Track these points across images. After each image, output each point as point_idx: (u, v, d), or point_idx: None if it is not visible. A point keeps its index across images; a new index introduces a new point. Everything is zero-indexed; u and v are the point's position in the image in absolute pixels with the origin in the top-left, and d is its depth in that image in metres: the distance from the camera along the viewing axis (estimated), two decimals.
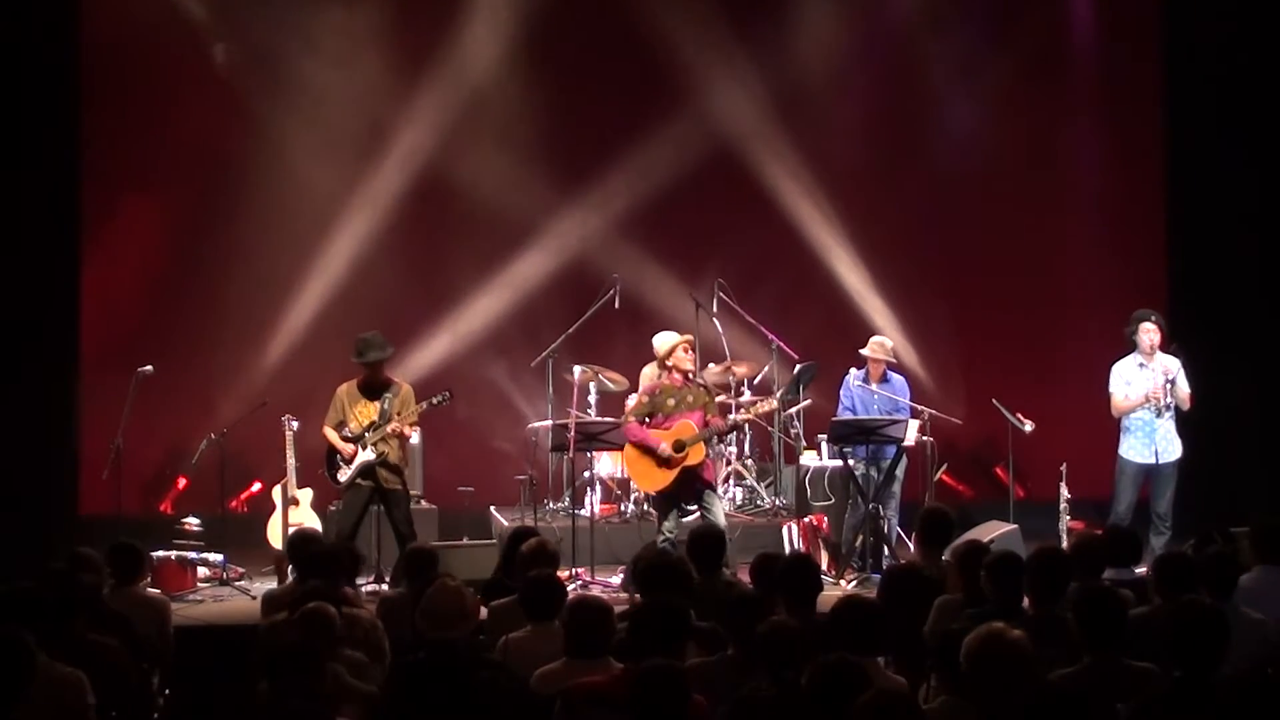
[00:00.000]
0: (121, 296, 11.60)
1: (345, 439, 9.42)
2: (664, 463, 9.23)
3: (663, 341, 9.57)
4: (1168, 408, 10.01)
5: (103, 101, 11.52)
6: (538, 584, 5.95)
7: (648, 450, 9.26)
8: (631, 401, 10.97)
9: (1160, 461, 10.02)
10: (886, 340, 10.52)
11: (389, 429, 9.40)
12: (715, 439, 9.93)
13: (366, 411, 9.46)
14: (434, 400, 9.54)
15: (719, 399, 9.93)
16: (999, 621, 4.66)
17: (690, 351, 9.47)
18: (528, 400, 11.87)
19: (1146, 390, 10.00)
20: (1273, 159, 11.85)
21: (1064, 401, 11.51)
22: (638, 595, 6.61)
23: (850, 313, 12.19)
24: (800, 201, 12.29)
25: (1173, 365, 10.07)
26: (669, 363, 9.42)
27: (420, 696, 5.10)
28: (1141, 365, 10.09)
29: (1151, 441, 10.02)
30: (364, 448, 9.38)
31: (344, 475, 9.43)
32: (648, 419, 9.36)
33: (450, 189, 11.93)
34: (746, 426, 11.10)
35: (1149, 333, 10.07)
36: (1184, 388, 10.04)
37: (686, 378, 9.41)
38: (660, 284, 12.02)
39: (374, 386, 9.50)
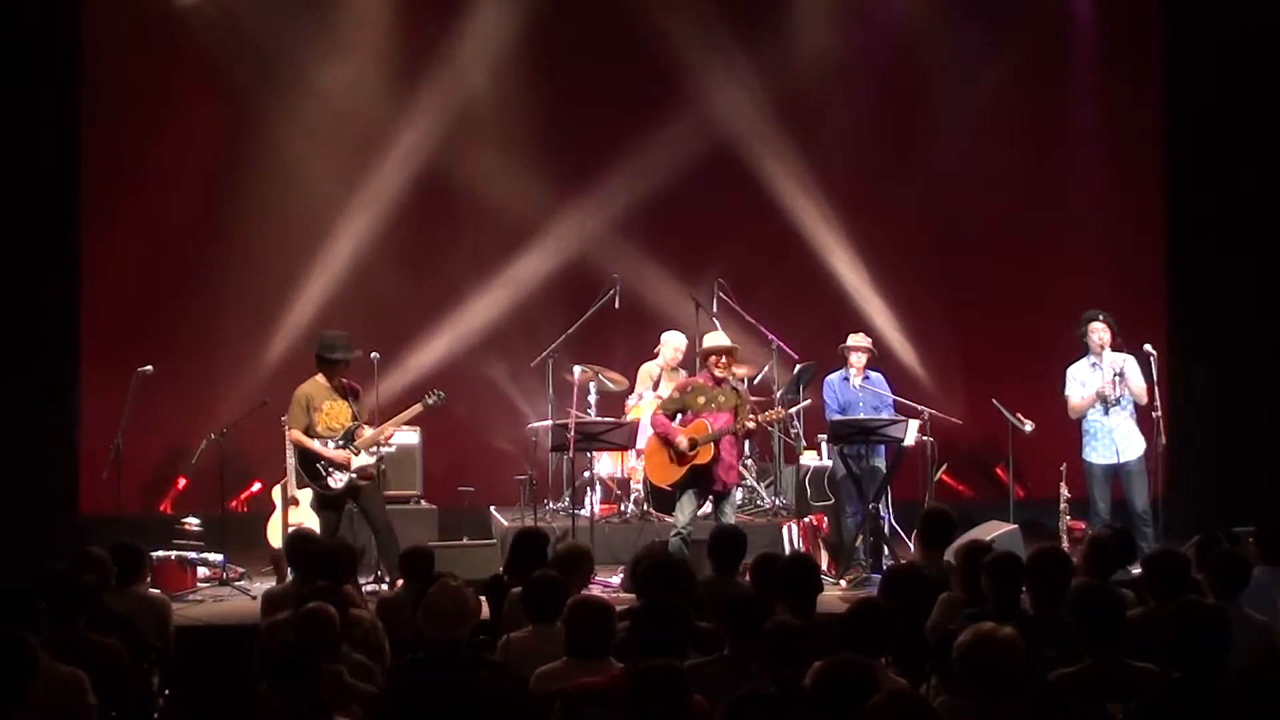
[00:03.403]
0: (121, 296, 11.58)
1: (335, 445, 9.28)
2: (676, 458, 9.29)
3: (709, 342, 9.64)
4: (1117, 402, 10.02)
5: (103, 101, 11.51)
6: (540, 584, 5.95)
7: (666, 443, 9.35)
8: (631, 401, 11.02)
9: (1122, 460, 10.04)
10: (866, 336, 10.55)
11: (382, 437, 9.39)
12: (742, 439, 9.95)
13: (335, 411, 9.35)
14: (428, 400, 9.50)
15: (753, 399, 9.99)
16: (994, 621, 4.66)
17: (728, 361, 9.45)
18: (528, 400, 11.87)
19: (1097, 387, 10.02)
20: (1273, 159, 11.86)
21: (1064, 401, 11.50)
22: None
23: (849, 313, 12.18)
24: (800, 201, 12.30)
25: (1118, 360, 10.07)
26: (706, 363, 9.53)
27: (420, 696, 5.09)
28: (1094, 365, 10.14)
29: (1112, 442, 10.05)
30: (356, 453, 9.30)
31: (336, 481, 9.30)
32: (678, 415, 9.45)
33: (450, 189, 11.93)
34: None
35: (1098, 331, 10.12)
36: (1137, 382, 10.04)
37: (718, 381, 9.44)
38: (660, 284, 12.02)
39: (339, 385, 9.41)
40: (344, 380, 9.45)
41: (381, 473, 9.59)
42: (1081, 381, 10.16)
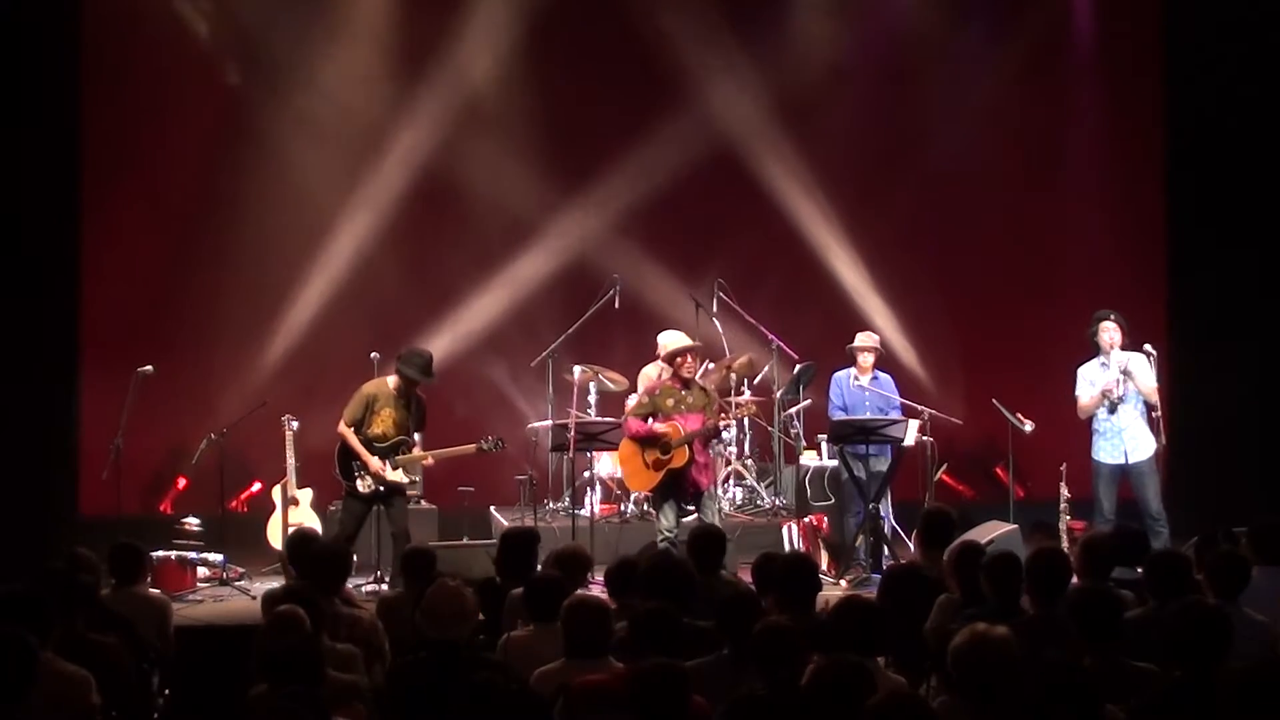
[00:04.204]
0: (121, 296, 11.58)
1: (372, 450, 9.22)
2: (652, 464, 9.31)
3: (670, 341, 9.62)
4: (1121, 400, 10.02)
5: (103, 101, 11.51)
6: (540, 584, 5.94)
7: (641, 446, 9.38)
8: (631, 401, 11.00)
9: (1130, 461, 10.02)
10: (874, 335, 10.55)
11: (423, 462, 9.45)
12: (713, 440, 9.95)
13: (391, 419, 9.29)
14: (483, 445, 9.49)
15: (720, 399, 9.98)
16: (993, 621, 4.66)
17: (693, 361, 9.53)
18: (528, 400, 11.87)
19: (1103, 386, 10.03)
20: (1274, 158, 11.85)
21: (1064, 401, 11.48)
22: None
23: (850, 312, 12.18)
24: (800, 201, 12.30)
25: (1124, 359, 10.07)
26: (672, 365, 9.54)
27: (420, 696, 5.09)
28: (1103, 365, 10.13)
29: (1121, 442, 10.03)
30: (393, 467, 9.28)
31: (363, 485, 9.26)
32: (650, 418, 9.44)
33: (450, 189, 11.93)
34: (746, 425, 11.12)
35: (1108, 331, 10.10)
36: (1146, 382, 10.03)
37: (685, 382, 9.45)
38: (660, 284, 12.02)
39: (406, 395, 9.39)
40: (417, 394, 9.40)
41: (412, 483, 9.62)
42: (1091, 381, 10.14)
